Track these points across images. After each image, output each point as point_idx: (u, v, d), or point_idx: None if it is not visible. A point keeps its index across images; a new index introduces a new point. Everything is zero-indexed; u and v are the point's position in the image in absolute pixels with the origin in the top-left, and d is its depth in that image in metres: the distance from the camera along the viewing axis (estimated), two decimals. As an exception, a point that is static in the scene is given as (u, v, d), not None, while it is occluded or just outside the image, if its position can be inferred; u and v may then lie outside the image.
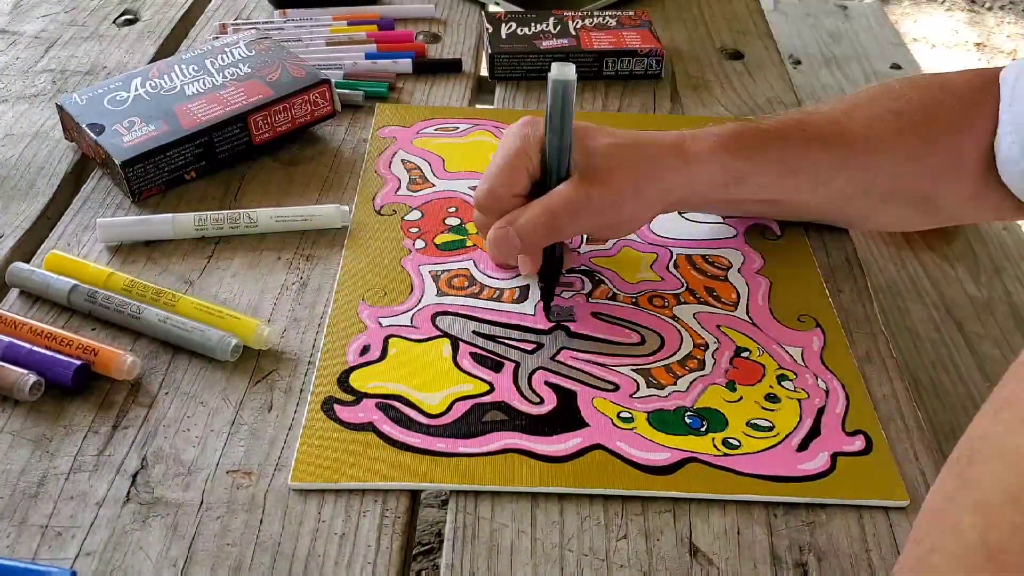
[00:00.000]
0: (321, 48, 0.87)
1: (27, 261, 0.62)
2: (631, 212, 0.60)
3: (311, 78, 0.74)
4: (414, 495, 0.50)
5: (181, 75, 0.74)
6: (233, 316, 0.57)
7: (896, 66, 1.67)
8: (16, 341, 0.54)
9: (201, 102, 0.71)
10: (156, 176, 0.68)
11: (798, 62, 1.65)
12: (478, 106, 0.84)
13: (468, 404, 0.54)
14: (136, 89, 0.72)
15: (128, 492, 0.48)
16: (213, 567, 0.45)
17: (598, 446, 0.52)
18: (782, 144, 0.63)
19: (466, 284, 0.62)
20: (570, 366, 0.56)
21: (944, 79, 0.67)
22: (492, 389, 0.55)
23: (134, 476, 0.49)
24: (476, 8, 0.98)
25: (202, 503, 0.48)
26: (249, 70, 0.74)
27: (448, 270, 0.63)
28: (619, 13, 0.91)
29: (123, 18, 0.94)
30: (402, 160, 0.73)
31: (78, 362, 0.53)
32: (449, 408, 0.53)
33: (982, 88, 0.65)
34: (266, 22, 0.91)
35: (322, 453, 0.50)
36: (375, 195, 0.70)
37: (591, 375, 0.56)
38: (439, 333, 0.58)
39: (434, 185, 0.71)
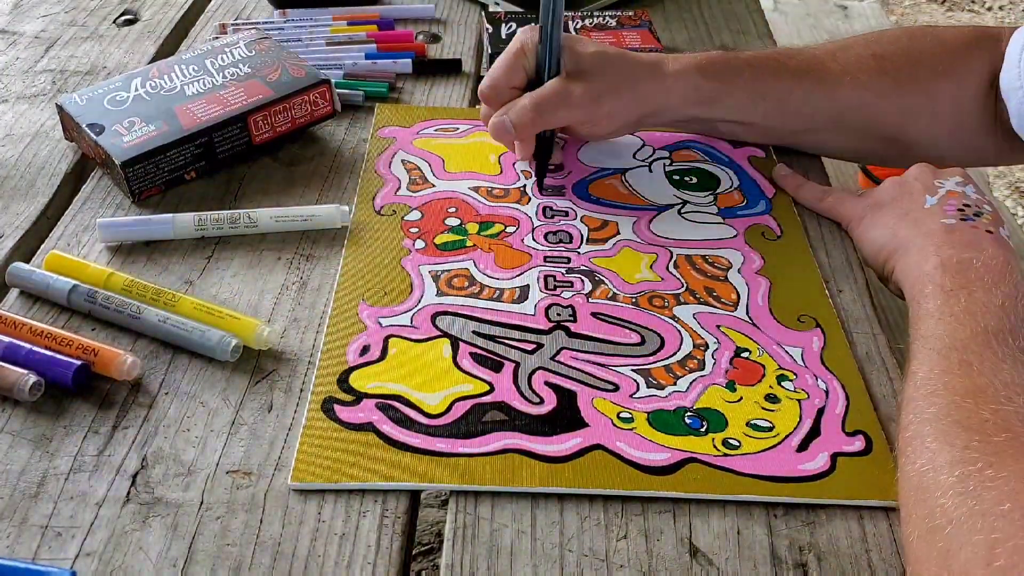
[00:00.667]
0: (321, 48, 0.87)
1: (27, 261, 0.62)
2: (608, 109, 0.68)
3: (311, 78, 0.74)
4: (414, 495, 0.50)
5: (181, 75, 0.74)
6: (233, 316, 0.57)
7: (896, 66, 1.67)
8: (16, 341, 0.54)
9: (201, 102, 0.71)
10: (156, 176, 0.68)
11: (798, 62, 1.66)
12: (478, 107, 0.84)
13: (468, 404, 0.54)
14: (136, 89, 0.72)
15: (128, 492, 0.48)
16: (213, 567, 0.45)
17: (598, 446, 0.51)
18: (755, 71, 0.70)
19: (466, 284, 0.62)
20: (570, 366, 0.56)
21: (937, 31, 0.74)
22: (492, 389, 0.55)
23: (134, 476, 0.49)
24: (476, 8, 0.98)
25: (202, 503, 0.48)
26: (249, 70, 0.74)
27: (448, 270, 0.63)
28: (619, 13, 0.91)
29: (123, 18, 0.94)
30: (402, 160, 0.73)
31: (78, 362, 0.53)
32: (449, 408, 0.53)
33: (974, 43, 0.70)
34: (266, 22, 0.91)
35: (322, 453, 0.50)
36: (375, 195, 0.70)
37: (591, 375, 0.56)
38: (439, 333, 0.58)
39: (434, 185, 0.71)
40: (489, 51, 0.85)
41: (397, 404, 0.53)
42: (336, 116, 0.76)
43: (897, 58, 0.71)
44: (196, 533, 0.47)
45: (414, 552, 0.48)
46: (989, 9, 2.94)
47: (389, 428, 0.52)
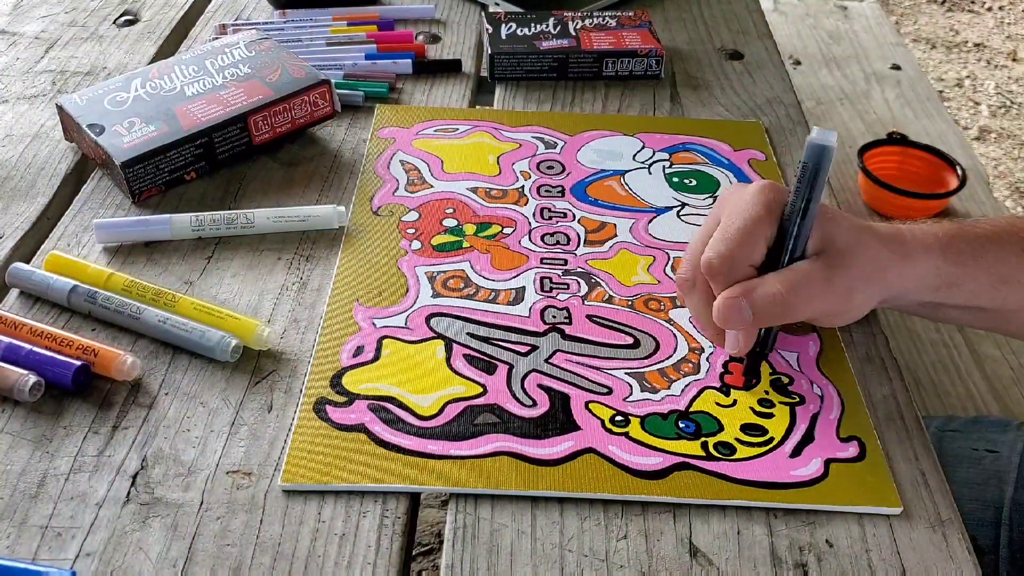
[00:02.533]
0: (321, 48, 0.87)
1: (27, 261, 0.62)
2: (859, 301, 0.56)
3: (311, 78, 0.74)
4: (414, 495, 0.50)
5: (181, 75, 0.74)
6: (233, 317, 0.57)
7: (896, 66, 1.67)
8: (16, 342, 0.54)
9: (201, 102, 0.71)
10: (156, 177, 0.68)
11: (798, 62, 1.65)
12: (478, 107, 0.84)
13: (460, 406, 0.54)
14: (136, 90, 0.72)
15: (128, 492, 0.48)
16: (213, 567, 0.45)
17: (590, 450, 0.51)
18: (998, 250, 0.59)
19: (462, 285, 0.62)
20: (564, 369, 0.56)
21: None
22: (485, 391, 0.55)
23: (134, 476, 0.49)
24: (476, 8, 0.98)
25: (202, 503, 0.48)
26: (249, 70, 0.74)
27: (444, 271, 0.63)
28: (619, 13, 0.91)
29: (123, 18, 0.94)
30: (401, 161, 0.73)
31: (78, 363, 0.53)
32: (441, 410, 0.53)
33: None
34: (266, 22, 0.91)
35: (313, 454, 0.50)
36: (373, 196, 0.70)
37: (585, 378, 0.56)
38: (433, 335, 0.58)
39: (432, 186, 0.71)
40: (489, 51, 0.85)
41: (389, 405, 0.53)
42: (336, 116, 0.76)
43: None
44: (196, 533, 0.47)
45: (414, 552, 0.48)
46: (989, 10, 2.94)
47: (381, 429, 0.52)
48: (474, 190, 0.71)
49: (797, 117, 0.83)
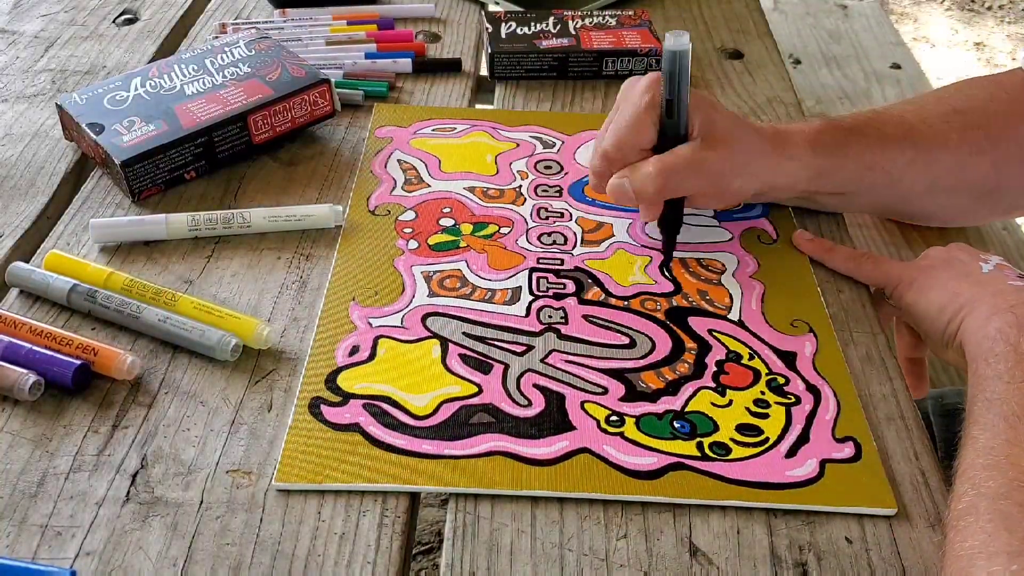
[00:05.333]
0: (321, 48, 0.87)
1: (27, 261, 0.62)
2: (738, 185, 0.63)
3: (311, 78, 0.74)
4: (414, 495, 0.50)
5: (181, 75, 0.74)
6: (233, 316, 0.57)
7: (896, 66, 1.67)
8: (16, 341, 0.54)
9: (201, 101, 0.71)
10: (156, 176, 0.68)
11: (798, 62, 1.65)
12: (477, 106, 0.84)
13: (455, 406, 0.54)
14: (136, 89, 0.72)
15: (128, 492, 0.48)
16: (213, 567, 0.45)
17: (584, 450, 0.51)
18: (860, 141, 0.66)
19: (458, 285, 0.62)
20: (559, 368, 0.56)
21: (997, 79, 0.73)
22: (480, 391, 0.55)
23: (134, 476, 0.49)
24: (476, 8, 0.98)
25: (202, 503, 0.48)
26: (249, 70, 0.74)
27: (440, 271, 0.63)
28: (619, 13, 0.91)
29: (123, 18, 0.94)
30: (398, 160, 0.73)
31: (78, 362, 0.53)
32: (436, 410, 0.53)
33: None
34: (266, 22, 0.91)
35: (307, 453, 0.50)
36: (370, 195, 0.70)
37: (580, 378, 0.56)
38: (429, 334, 0.58)
39: (429, 185, 0.71)
40: (489, 50, 0.85)
41: (384, 405, 0.53)
42: (336, 116, 0.76)
43: (977, 110, 0.69)
44: (196, 533, 0.47)
45: (414, 552, 0.48)
46: (989, 8, 2.94)
47: (375, 429, 0.52)
48: (471, 189, 0.71)
49: (797, 116, 0.83)
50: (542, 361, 0.57)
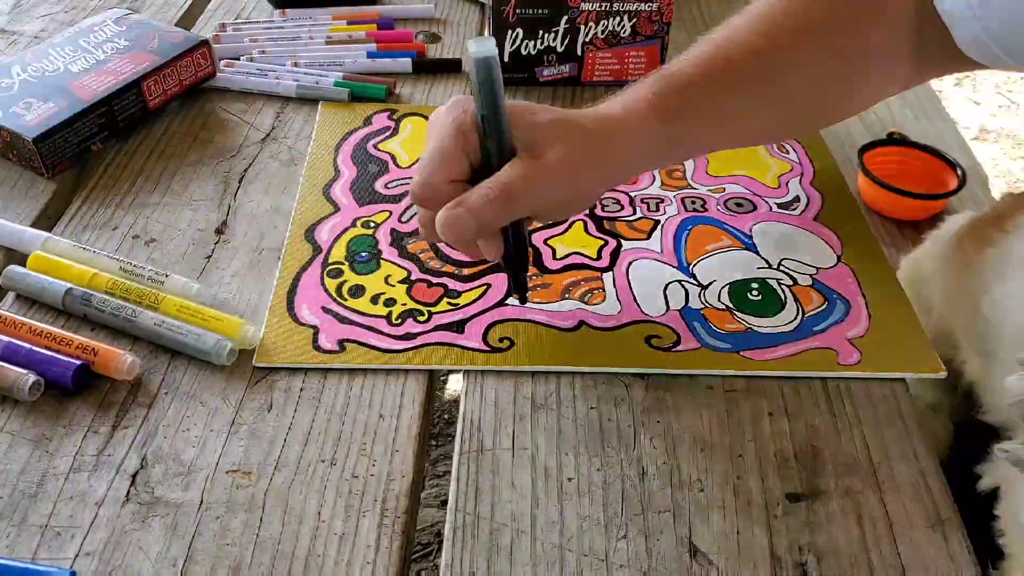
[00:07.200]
0: (321, 48, 0.87)
1: (24, 263, 0.62)
2: (587, 183, 0.56)
3: (191, 40, 0.78)
4: (414, 494, 0.50)
5: (60, 56, 0.76)
6: (216, 318, 0.57)
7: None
8: (15, 341, 0.54)
9: (91, 76, 0.74)
10: (66, 149, 0.71)
11: (798, 62, 1.65)
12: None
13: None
14: (18, 75, 0.74)
15: (128, 492, 0.48)
16: (213, 567, 0.45)
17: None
18: (708, 92, 0.59)
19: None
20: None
21: None
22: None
23: (134, 476, 0.49)
24: (476, 8, 0.98)
25: (202, 503, 0.48)
26: (127, 43, 0.78)
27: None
28: (639, 10, 0.82)
29: (123, 18, 0.93)
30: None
31: (78, 362, 0.53)
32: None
33: None
34: (266, 22, 0.91)
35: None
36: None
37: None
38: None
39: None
40: (490, 32, 0.83)
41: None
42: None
43: (814, 11, 0.61)
44: (196, 533, 0.47)
45: (414, 552, 0.48)
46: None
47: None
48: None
49: (797, 117, 0.83)
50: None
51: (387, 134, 0.77)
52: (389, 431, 0.52)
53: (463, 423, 0.53)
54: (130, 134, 0.75)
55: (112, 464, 0.50)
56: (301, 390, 0.54)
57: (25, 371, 0.52)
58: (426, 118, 0.78)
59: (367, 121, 0.78)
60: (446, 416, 1.38)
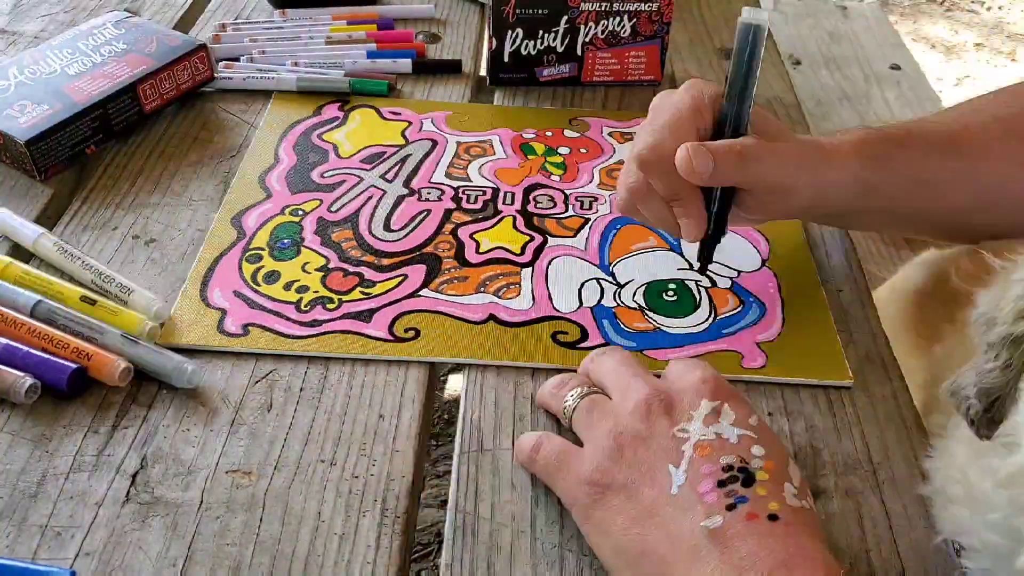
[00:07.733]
0: (321, 48, 0.87)
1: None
2: (804, 183, 0.57)
3: (188, 44, 0.78)
4: (414, 493, 0.50)
5: (57, 58, 0.76)
6: (115, 311, 0.57)
7: (896, 66, 1.66)
8: (13, 343, 0.54)
9: (87, 79, 0.74)
10: (59, 152, 0.70)
11: (798, 62, 1.65)
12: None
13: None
14: (15, 76, 0.74)
15: (127, 492, 0.48)
16: (212, 567, 0.45)
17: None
18: (906, 151, 0.61)
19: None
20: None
21: None
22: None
23: (133, 476, 0.49)
24: (476, 8, 0.98)
25: (201, 503, 0.48)
26: (125, 46, 0.77)
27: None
28: (639, 10, 0.82)
29: (123, 18, 0.93)
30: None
31: (73, 366, 0.53)
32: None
33: None
34: (266, 22, 0.91)
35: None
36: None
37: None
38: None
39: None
40: (488, 82, 0.84)
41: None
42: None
43: (1018, 117, 0.63)
44: (195, 533, 0.47)
45: (414, 552, 0.48)
46: (988, 9, 2.95)
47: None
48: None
49: (797, 117, 0.83)
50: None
51: (334, 124, 0.77)
52: (389, 431, 0.52)
53: (463, 423, 0.53)
54: (127, 137, 0.75)
55: (112, 464, 0.50)
56: (301, 390, 0.54)
57: (22, 374, 0.52)
58: (377, 111, 0.79)
59: (317, 111, 0.79)
60: (446, 416, 1.38)
